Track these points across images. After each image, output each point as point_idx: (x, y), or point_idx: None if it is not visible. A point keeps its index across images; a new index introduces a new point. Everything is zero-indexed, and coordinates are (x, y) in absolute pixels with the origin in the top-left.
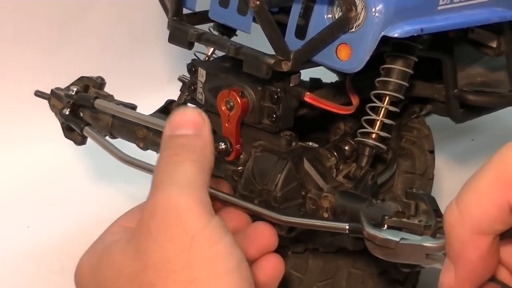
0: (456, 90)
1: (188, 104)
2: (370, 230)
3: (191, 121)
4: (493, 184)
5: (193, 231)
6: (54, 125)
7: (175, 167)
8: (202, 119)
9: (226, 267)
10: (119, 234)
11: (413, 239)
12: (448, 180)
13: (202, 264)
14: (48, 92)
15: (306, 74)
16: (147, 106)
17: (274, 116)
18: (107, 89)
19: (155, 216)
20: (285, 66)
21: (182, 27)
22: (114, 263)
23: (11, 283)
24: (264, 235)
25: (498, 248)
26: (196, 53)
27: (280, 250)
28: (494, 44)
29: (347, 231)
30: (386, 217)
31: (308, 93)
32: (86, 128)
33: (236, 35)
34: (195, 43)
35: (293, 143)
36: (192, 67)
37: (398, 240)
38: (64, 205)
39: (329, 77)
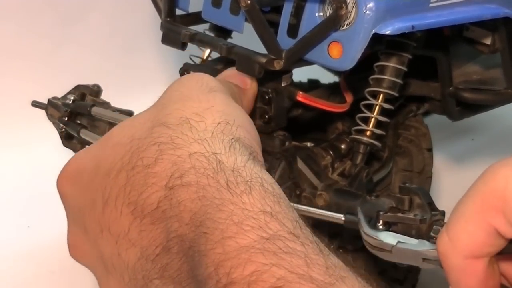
0: (451, 88)
1: None
2: (367, 231)
3: (241, 76)
4: (478, 210)
5: (211, 86)
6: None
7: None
8: (251, 81)
9: (242, 112)
10: None
11: (410, 243)
12: (448, 180)
13: (220, 101)
14: (47, 95)
15: (305, 75)
16: (144, 108)
17: (266, 116)
18: (105, 91)
19: (180, 80)
20: (277, 65)
21: (175, 28)
22: (126, 120)
23: (11, 283)
24: None
25: (497, 267)
26: (191, 57)
27: None
28: (488, 42)
29: (343, 222)
30: (381, 213)
31: (300, 92)
32: (83, 130)
33: (231, 38)
34: (193, 47)
35: (287, 143)
36: (184, 71)
37: (394, 244)
38: None
39: (329, 78)
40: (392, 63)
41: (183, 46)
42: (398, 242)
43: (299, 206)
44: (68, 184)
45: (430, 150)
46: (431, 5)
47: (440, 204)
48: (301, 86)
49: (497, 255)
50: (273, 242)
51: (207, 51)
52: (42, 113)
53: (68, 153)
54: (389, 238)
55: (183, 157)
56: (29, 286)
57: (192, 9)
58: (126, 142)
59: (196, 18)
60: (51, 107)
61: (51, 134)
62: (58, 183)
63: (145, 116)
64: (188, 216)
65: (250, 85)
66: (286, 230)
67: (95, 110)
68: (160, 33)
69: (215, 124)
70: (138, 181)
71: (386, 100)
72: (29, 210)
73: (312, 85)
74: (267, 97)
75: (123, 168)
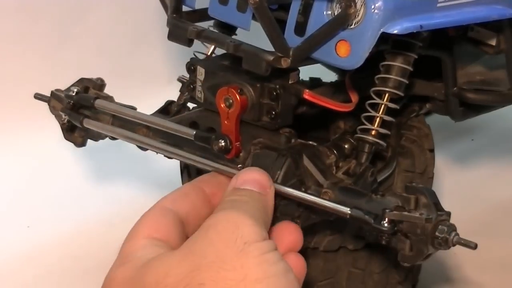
0: (455, 88)
1: (188, 103)
2: None
3: (257, 179)
4: None
5: (247, 238)
6: (54, 125)
7: (239, 202)
8: (268, 181)
9: (275, 271)
10: (152, 248)
11: None
12: (448, 180)
13: (252, 265)
14: (48, 94)
15: (306, 73)
16: (146, 107)
17: (273, 113)
18: (107, 89)
19: (215, 226)
20: (285, 63)
21: (181, 24)
22: (159, 267)
23: (11, 283)
24: (291, 234)
25: None
26: (195, 53)
27: None
28: (493, 42)
29: (348, 216)
30: (387, 211)
31: (307, 90)
32: (86, 119)
33: (236, 35)
34: (196, 44)
35: (293, 140)
36: (191, 66)
37: None
38: (64, 205)
39: (330, 77)
40: (398, 63)
41: (189, 43)
42: None
43: (307, 196)
44: None
45: (432, 150)
46: (438, 5)
47: (441, 203)
48: (303, 84)
49: None
50: None
51: (212, 47)
52: (42, 113)
53: (68, 155)
54: None
55: None
56: (29, 286)
57: (198, 5)
58: None
59: (202, 14)
60: (53, 99)
61: (51, 134)
62: None
63: (177, 273)
64: None
65: (270, 188)
66: None
67: (99, 103)
68: (161, 33)
69: None
70: None
71: (391, 99)
72: (29, 210)
73: (314, 84)
74: (275, 93)
75: None
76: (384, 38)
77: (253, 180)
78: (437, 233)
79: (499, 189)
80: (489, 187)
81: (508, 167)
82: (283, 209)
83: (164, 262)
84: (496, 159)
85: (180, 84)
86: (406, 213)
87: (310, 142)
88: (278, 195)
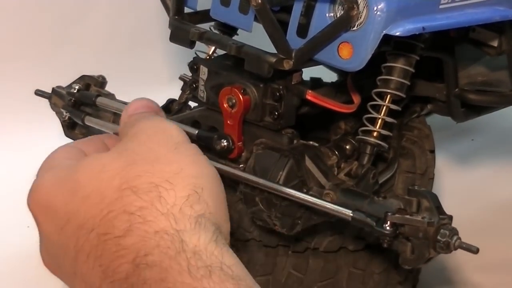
0: (457, 89)
1: (190, 102)
2: None
3: (147, 105)
4: None
5: (178, 139)
6: (54, 125)
7: (147, 114)
8: (157, 105)
9: (208, 172)
10: (80, 154)
11: None
12: (449, 180)
13: (188, 162)
14: (48, 91)
15: (307, 74)
16: None
17: (276, 113)
18: (108, 88)
19: (145, 130)
20: (287, 65)
21: (183, 26)
22: (93, 164)
23: (11, 283)
24: None
25: None
26: (197, 52)
27: (281, 249)
28: (495, 43)
29: (350, 219)
30: (389, 214)
31: (310, 91)
32: (88, 117)
33: (237, 35)
34: (196, 42)
35: (295, 141)
36: (194, 65)
37: None
38: None
39: (330, 77)
40: (400, 64)
41: (191, 44)
42: None
43: (309, 198)
44: (40, 214)
45: (432, 151)
46: (441, 6)
47: (441, 203)
48: (305, 84)
49: None
50: None
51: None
52: (42, 113)
53: None
54: None
55: (149, 234)
56: (29, 286)
57: (200, 7)
58: (96, 201)
59: (204, 16)
60: (55, 96)
61: (51, 133)
62: (30, 205)
63: (112, 168)
64: None
65: (158, 108)
66: None
67: (100, 101)
68: (163, 31)
69: (184, 196)
70: (109, 248)
71: (393, 100)
72: (29, 210)
73: (315, 84)
74: (278, 93)
75: (94, 229)
76: (386, 39)
77: (145, 105)
78: (439, 237)
79: (499, 189)
80: (489, 187)
81: (508, 167)
82: (284, 210)
83: (98, 159)
84: (496, 159)
85: (181, 83)
86: (408, 216)
87: (312, 143)
88: (280, 196)
